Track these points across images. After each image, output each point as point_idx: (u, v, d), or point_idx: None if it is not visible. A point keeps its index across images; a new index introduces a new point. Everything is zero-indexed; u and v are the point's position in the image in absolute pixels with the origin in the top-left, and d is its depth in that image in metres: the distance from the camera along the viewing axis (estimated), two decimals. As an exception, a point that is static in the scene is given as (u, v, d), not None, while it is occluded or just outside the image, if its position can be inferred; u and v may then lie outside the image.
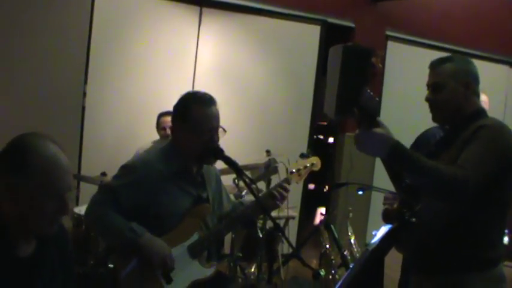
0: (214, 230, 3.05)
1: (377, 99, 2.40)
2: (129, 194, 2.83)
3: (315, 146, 7.20)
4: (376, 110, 2.40)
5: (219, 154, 2.96)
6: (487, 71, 8.16)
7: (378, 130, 2.36)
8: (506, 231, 5.01)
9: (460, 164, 2.45)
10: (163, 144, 3.15)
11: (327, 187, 7.35)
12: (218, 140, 3.00)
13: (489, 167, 2.47)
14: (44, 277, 1.95)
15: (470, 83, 2.72)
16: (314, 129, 7.17)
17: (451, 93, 2.70)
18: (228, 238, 5.20)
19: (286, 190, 3.17)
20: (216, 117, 3.00)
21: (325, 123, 8.85)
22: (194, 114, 2.95)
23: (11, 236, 1.85)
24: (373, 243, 1.84)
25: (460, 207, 2.55)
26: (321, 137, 8.70)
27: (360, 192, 5.41)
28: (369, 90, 2.38)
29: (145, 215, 2.85)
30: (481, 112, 2.75)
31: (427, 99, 2.77)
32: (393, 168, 2.67)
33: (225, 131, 3.03)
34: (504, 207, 2.63)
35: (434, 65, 2.77)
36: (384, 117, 2.48)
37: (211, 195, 3.14)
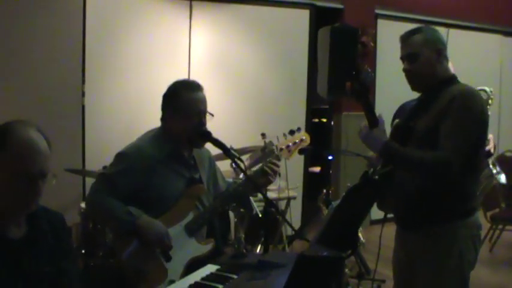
0: (208, 208, 3.18)
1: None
2: (124, 180, 2.97)
3: (314, 129, 7.31)
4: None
5: (207, 136, 3.08)
6: (481, 41, 8.31)
7: (375, 131, 2.75)
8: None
9: (442, 146, 2.67)
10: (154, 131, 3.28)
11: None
12: (205, 124, 3.13)
13: (468, 141, 2.68)
14: (38, 258, 2.03)
15: (441, 49, 2.90)
16: (311, 112, 7.25)
17: (426, 61, 2.86)
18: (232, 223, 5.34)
19: (277, 165, 3.31)
20: (203, 102, 3.13)
21: (327, 107, 8.90)
22: (183, 99, 3.10)
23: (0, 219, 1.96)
24: (337, 201, 1.98)
25: None
26: (318, 120, 8.75)
27: (330, 157, 5.71)
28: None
29: (141, 199, 2.98)
30: (453, 78, 2.93)
31: (405, 70, 2.94)
32: None
33: (212, 115, 3.17)
34: (477, 164, 2.84)
35: (405, 38, 2.95)
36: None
37: (205, 177, 3.27)
